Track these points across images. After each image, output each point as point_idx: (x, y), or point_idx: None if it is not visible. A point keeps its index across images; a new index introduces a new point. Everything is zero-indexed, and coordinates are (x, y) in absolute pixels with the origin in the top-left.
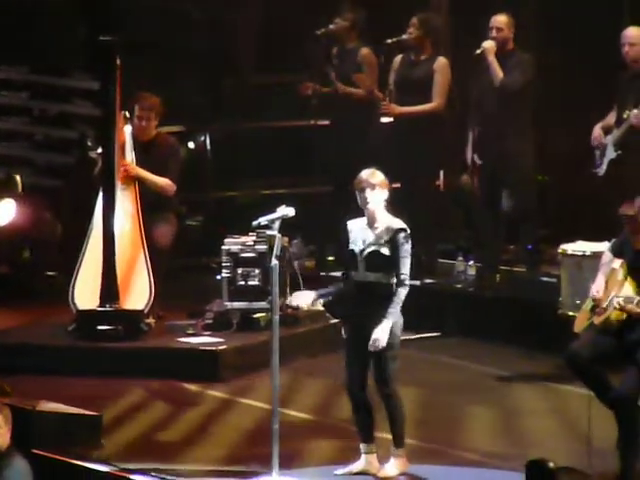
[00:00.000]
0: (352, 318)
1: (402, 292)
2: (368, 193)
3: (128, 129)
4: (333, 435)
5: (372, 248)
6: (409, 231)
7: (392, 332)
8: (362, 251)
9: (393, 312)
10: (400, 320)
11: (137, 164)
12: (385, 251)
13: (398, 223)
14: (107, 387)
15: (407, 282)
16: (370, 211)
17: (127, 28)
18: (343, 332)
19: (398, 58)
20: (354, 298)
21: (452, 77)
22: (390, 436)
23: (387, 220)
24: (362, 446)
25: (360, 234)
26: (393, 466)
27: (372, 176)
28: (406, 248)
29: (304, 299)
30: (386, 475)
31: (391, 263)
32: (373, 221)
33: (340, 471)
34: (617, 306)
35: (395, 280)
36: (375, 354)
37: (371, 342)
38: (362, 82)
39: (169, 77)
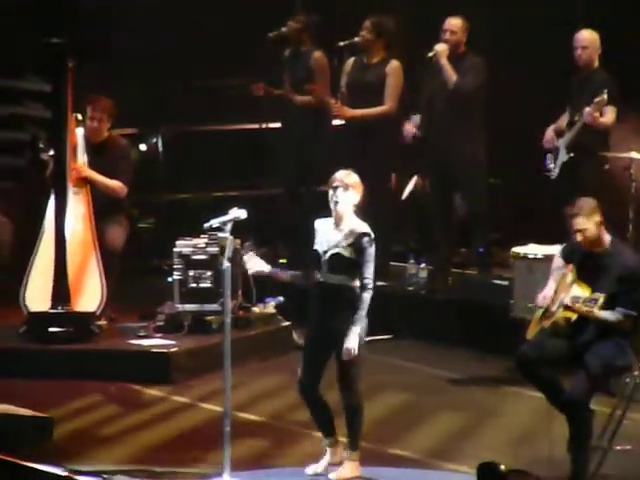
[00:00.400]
0: (314, 319)
1: (366, 297)
2: (340, 193)
3: (80, 131)
4: (285, 437)
5: (335, 250)
6: (373, 235)
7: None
8: (325, 252)
9: (359, 318)
10: (365, 323)
11: (89, 166)
12: (347, 254)
13: (363, 227)
14: (58, 389)
15: (371, 286)
16: (339, 212)
17: (78, 31)
18: (295, 335)
19: (350, 61)
20: (316, 298)
21: (405, 80)
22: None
23: (353, 223)
24: (325, 441)
25: (325, 235)
26: (346, 470)
27: (347, 177)
28: (370, 252)
29: (257, 264)
30: (337, 478)
31: (353, 266)
32: (339, 222)
33: (310, 469)
34: (564, 305)
35: (358, 284)
36: (332, 359)
37: (344, 351)
38: (314, 92)
39: (121, 80)
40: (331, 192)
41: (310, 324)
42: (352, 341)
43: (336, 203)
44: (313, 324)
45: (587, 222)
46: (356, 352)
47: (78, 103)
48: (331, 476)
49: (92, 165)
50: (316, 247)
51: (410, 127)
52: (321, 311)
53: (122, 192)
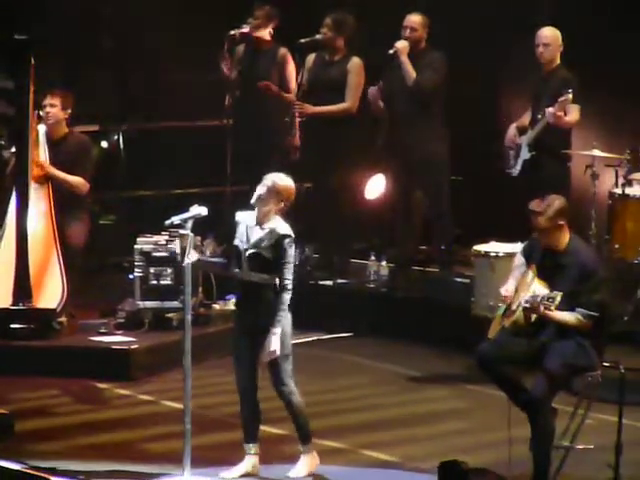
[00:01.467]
0: (237, 316)
1: (286, 297)
2: (268, 194)
3: (42, 128)
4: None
5: (254, 250)
6: (293, 236)
7: (285, 331)
8: (246, 250)
9: (280, 319)
10: (290, 318)
11: (49, 162)
12: (267, 254)
13: (285, 228)
14: (18, 385)
15: (290, 287)
16: (263, 211)
17: (40, 27)
18: None
19: (311, 57)
20: (239, 296)
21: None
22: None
23: (275, 223)
24: (245, 446)
25: (247, 231)
26: (303, 465)
27: (280, 179)
28: (290, 253)
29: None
30: (297, 475)
31: (272, 267)
32: (262, 221)
33: (225, 474)
34: (523, 306)
35: (278, 284)
36: (260, 356)
37: (266, 353)
38: (267, 88)
39: (82, 76)
40: (259, 189)
41: (235, 321)
42: (273, 344)
43: (262, 201)
44: (239, 322)
45: (549, 223)
46: (277, 354)
47: (40, 100)
48: (291, 474)
49: (52, 161)
50: (236, 243)
51: (374, 91)
52: (243, 309)
53: (84, 188)
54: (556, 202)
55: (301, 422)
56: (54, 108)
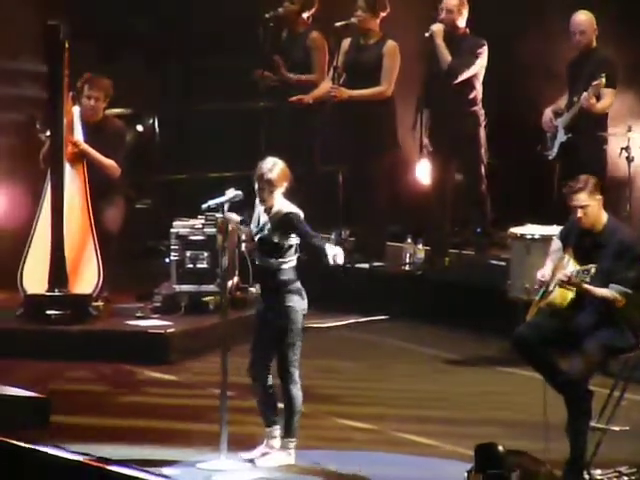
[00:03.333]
0: (260, 298)
1: (318, 238)
2: (266, 192)
3: (76, 110)
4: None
5: (262, 234)
6: (298, 212)
7: (292, 319)
8: (256, 234)
9: (320, 240)
10: (301, 306)
11: (91, 144)
12: (274, 237)
13: (288, 207)
14: (56, 370)
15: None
16: (267, 201)
17: (72, 11)
18: None
19: (347, 42)
20: (258, 279)
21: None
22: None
23: (278, 206)
24: (266, 430)
25: (258, 217)
26: (275, 457)
27: (270, 171)
28: (303, 225)
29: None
30: (263, 464)
31: (279, 249)
32: (269, 210)
33: (246, 456)
34: (559, 281)
35: (309, 243)
36: (277, 341)
37: (331, 260)
38: (305, 83)
39: (117, 60)
40: (257, 187)
41: (257, 304)
42: (332, 249)
43: (263, 200)
44: (257, 304)
45: (589, 199)
46: (342, 257)
47: (75, 82)
48: (258, 461)
49: (87, 144)
50: (252, 228)
51: None
52: (261, 291)
53: (116, 172)
54: (591, 179)
55: (290, 414)
56: (94, 101)
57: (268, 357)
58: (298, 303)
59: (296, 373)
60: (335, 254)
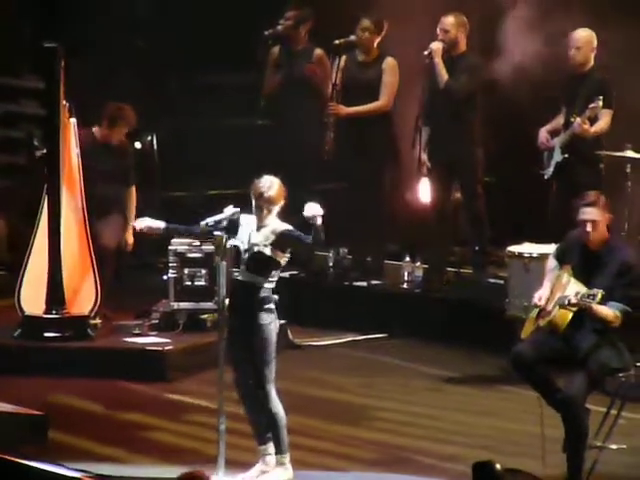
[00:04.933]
0: (230, 316)
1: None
2: (265, 210)
3: (73, 121)
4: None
5: (256, 248)
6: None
7: (267, 337)
8: (246, 250)
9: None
10: (274, 324)
11: (99, 161)
12: (268, 252)
13: (284, 226)
14: (53, 387)
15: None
16: (262, 219)
17: (71, 29)
18: (290, 334)
19: (344, 58)
20: (233, 295)
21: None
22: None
23: (274, 224)
24: (259, 449)
25: (247, 233)
26: (273, 475)
27: (269, 189)
28: (298, 233)
29: (149, 222)
30: None
31: (270, 266)
32: (262, 225)
33: (242, 476)
34: (568, 302)
35: (306, 249)
36: (251, 358)
37: (310, 214)
38: (314, 74)
39: (116, 77)
40: (254, 204)
41: (228, 322)
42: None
43: (261, 218)
44: (230, 322)
45: (599, 215)
46: (321, 212)
47: (74, 99)
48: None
49: (99, 164)
50: (236, 243)
51: None
52: (235, 308)
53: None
54: (602, 196)
55: (275, 429)
56: (124, 131)
57: (250, 374)
58: (272, 321)
59: (272, 390)
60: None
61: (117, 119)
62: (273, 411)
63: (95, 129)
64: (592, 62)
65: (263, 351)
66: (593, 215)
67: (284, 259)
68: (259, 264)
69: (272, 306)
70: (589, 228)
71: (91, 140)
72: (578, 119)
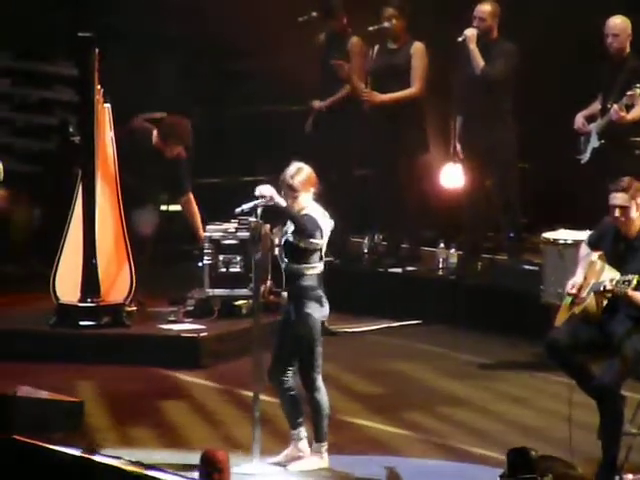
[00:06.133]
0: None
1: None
2: (289, 197)
3: (108, 107)
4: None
5: (285, 237)
6: (320, 216)
7: (310, 326)
8: (285, 241)
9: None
10: (320, 314)
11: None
12: (293, 240)
13: (311, 210)
14: (88, 374)
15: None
16: (296, 207)
17: (105, 16)
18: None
19: (376, 47)
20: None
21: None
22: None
23: (308, 210)
24: (291, 433)
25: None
26: (308, 462)
27: (292, 178)
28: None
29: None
30: (295, 469)
31: (298, 253)
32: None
33: (273, 460)
34: (603, 289)
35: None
36: (297, 347)
37: (257, 193)
38: (341, 68)
39: (150, 64)
40: (282, 192)
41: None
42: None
43: (292, 207)
44: (283, 308)
45: (629, 201)
46: (268, 193)
47: (110, 86)
48: (290, 466)
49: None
50: (282, 234)
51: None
52: (287, 297)
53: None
54: (635, 182)
55: (319, 420)
56: (167, 146)
57: (287, 361)
58: (317, 311)
59: (318, 379)
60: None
61: (169, 136)
62: (317, 401)
63: (155, 132)
64: (628, 49)
65: (306, 340)
66: (622, 201)
67: (315, 246)
68: (291, 253)
69: (315, 295)
70: (617, 213)
71: (148, 139)
72: (615, 106)
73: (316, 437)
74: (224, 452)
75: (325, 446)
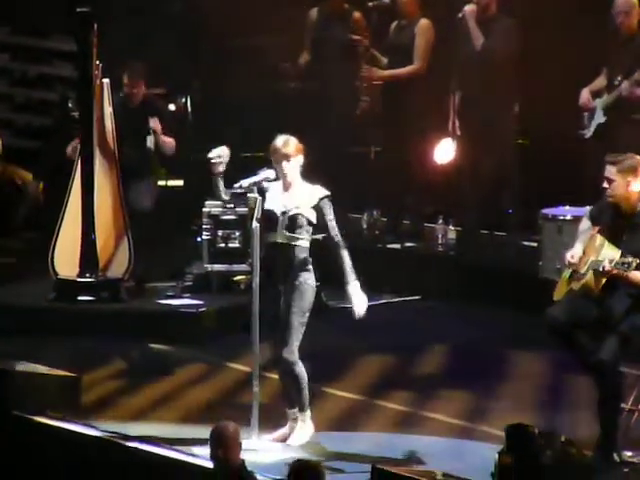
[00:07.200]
0: (268, 279)
1: (346, 253)
2: (284, 165)
3: (106, 82)
4: (311, 399)
5: (296, 211)
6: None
7: (307, 296)
8: (284, 213)
9: (353, 273)
10: (312, 282)
11: (129, 127)
12: (309, 215)
13: (320, 189)
14: (86, 348)
15: (343, 241)
16: (287, 180)
17: None
18: (323, 296)
19: (394, 24)
20: (271, 259)
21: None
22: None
23: (307, 187)
24: (287, 412)
25: (277, 197)
26: (300, 433)
27: (285, 146)
28: (332, 210)
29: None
30: (297, 443)
31: (309, 227)
32: (289, 187)
33: (270, 437)
34: (602, 269)
35: (330, 244)
36: (286, 319)
37: (356, 312)
38: (359, 42)
39: (150, 41)
40: (274, 164)
41: (268, 284)
42: (362, 297)
43: (284, 175)
44: (270, 284)
45: (617, 175)
46: (365, 306)
47: (110, 64)
48: (290, 441)
49: (132, 126)
50: (270, 207)
51: None
52: (275, 270)
53: (173, 149)
54: (632, 159)
55: (300, 392)
56: (133, 89)
57: (289, 335)
58: (312, 281)
59: (296, 352)
60: (360, 304)
61: (127, 79)
62: (297, 373)
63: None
64: (637, 25)
65: (299, 311)
66: (609, 173)
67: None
68: (299, 226)
69: (311, 265)
70: (605, 184)
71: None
72: (626, 82)
73: (300, 407)
74: (234, 426)
75: (308, 414)
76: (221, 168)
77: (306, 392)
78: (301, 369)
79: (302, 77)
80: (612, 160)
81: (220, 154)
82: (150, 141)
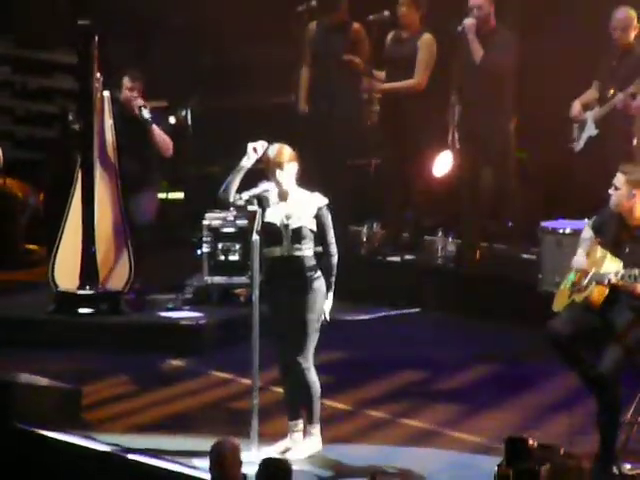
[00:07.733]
0: (275, 293)
1: (335, 261)
2: (278, 173)
3: (106, 94)
4: None
5: (299, 223)
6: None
7: (318, 305)
8: (286, 226)
9: (333, 283)
10: (324, 292)
11: (127, 137)
12: (312, 226)
13: (318, 197)
14: (87, 361)
15: (336, 251)
16: (283, 190)
17: (106, 4)
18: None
19: (390, 35)
20: (277, 272)
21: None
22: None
23: (304, 194)
24: (289, 424)
25: (277, 208)
26: (305, 447)
27: (278, 155)
28: (330, 219)
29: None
30: (296, 457)
31: (315, 237)
32: (286, 196)
33: (269, 449)
34: (608, 282)
35: (324, 251)
36: (297, 328)
37: (325, 317)
38: (352, 62)
39: (150, 53)
40: (269, 173)
41: (273, 297)
42: (329, 305)
43: (280, 184)
44: (275, 297)
45: (624, 185)
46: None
47: (109, 76)
48: (289, 455)
49: (130, 134)
50: (272, 220)
51: None
52: (282, 284)
53: (170, 150)
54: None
55: (312, 401)
56: (133, 92)
57: (297, 345)
58: (323, 287)
59: (311, 359)
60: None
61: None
62: (311, 381)
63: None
64: (632, 38)
65: (310, 321)
66: (617, 181)
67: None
68: (305, 237)
69: (319, 273)
70: (611, 191)
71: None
72: (620, 94)
73: (309, 419)
74: (234, 443)
75: (318, 428)
76: (249, 163)
77: (318, 403)
78: (315, 377)
79: (305, 120)
80: (624, 169)
81: (259, 147)
82: (146, 113)
